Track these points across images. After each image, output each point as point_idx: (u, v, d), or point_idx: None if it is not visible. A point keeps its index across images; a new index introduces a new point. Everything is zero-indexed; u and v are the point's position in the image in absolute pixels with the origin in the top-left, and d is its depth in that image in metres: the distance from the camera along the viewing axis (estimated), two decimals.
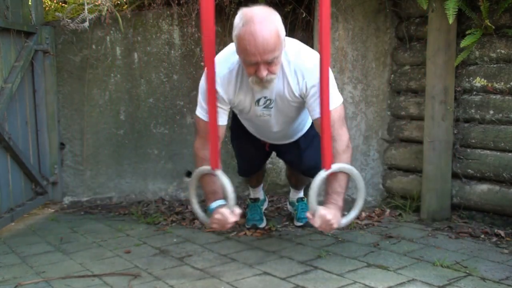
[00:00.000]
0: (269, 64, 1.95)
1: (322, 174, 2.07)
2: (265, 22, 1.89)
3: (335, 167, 2.08)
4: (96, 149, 3.73)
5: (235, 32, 1.93)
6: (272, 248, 2.61)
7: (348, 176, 2.13)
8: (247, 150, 2.75)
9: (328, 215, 2.00)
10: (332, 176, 2.10)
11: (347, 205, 3.34)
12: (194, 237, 2.87)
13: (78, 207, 3.64)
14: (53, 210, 3.60)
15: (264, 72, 1.95)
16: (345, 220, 2.14)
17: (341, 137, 2.14)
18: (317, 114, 2.12)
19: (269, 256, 2.50)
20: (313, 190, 2.05)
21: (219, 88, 2.14)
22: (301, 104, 2.25)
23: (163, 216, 3.29)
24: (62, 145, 3.73)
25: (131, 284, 2.19)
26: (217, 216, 2.07)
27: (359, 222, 3.00)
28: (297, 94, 2.17)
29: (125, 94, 3.70)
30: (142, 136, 3.74)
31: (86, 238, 2.91)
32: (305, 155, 2.62)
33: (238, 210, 2.07)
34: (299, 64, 2.12)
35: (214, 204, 2.15)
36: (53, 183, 3.67)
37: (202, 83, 2.20)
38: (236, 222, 2.11)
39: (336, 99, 2.16)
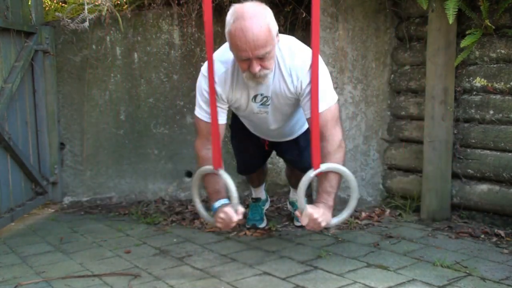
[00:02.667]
0: (261, 59, 1.95)
1: (310, 174, 2.08)
2: (256, 18, 1.89)
3: (323, 166, 2.09)
4: (96, 149, 3.73)
5: (226, 29, 1.94)
6: (272, 248, 2.61)
7: (340, 176, 2.13)
8: (247, 148, 2.75)
9: (315, 214, 2.02)
10: (323, 175, 2.11)
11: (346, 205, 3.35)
12: (194, 237, 2.88)
13: (78, 207, 3.64)
14: (53, 210, 3.60)
15: (256, 68, 1.96)
16: (336, 220, 2.16)
17: (334, 137, 2.14)
18: (309, 114, 2.13)
19: (269, 256, 2.50)
20: (301, 189, 2.07)
21: (217, 87, 2.16)
22: (298, 101, 2.26)
23: (163, 216, 3.29)
24: (62, 145, 3.73)
25: (131, 284, 2.19)
26: (221, 215, 2.09)
27: (359, 222, 3.00)
28: (293, 92, 2.18)
29: (125, 94, 3.70)
30: (142, 136, 3.74)
31: (86, 238, 2.91)
32: (305, 153, 2.61)
33: (241, 209, 2.09)
34: (293, 64, 2.12)
35: (217, 203, 2.16)
36: (53, 183, 3.67)
37: (200, 83, 2.21)
38: (239, 221, 2.12)
39: (330, 98, 2.16)
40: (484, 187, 2.85)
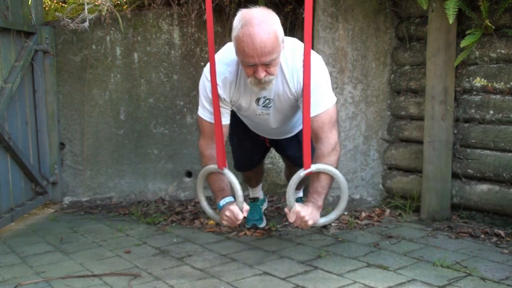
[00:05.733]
0: (267, 65, 1.98)
1: (300, 173, 2.11)
2: (264, 25, 1.90)
3: (314, 167, 2.10)
4: (96, 149, 3.73)
5: (234, 33, 1.95)
6: (272, 248, 2.61)
7: (331, 178, 2.15)
8: (246, 145, 2.76)
9: (302, 212, 2.06)
10: (315, 176, 2.14)
11: (347, 206, 3.34)
12: (194, 237, 2.88)
13: (78, 207, 3.64)
14: (53, 210, 3.60)
15: (262, 74, 1.98)
16: (324, 220, 2.17)
17: (329, 139, 2.17)
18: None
19: (269, 256, 2.50)
20: (291, 187, 2.12)
21: (220, 90, 2.16)
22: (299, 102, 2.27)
23: (163, 216, 3.29)
24: (62, 145, 3.73)
25: (131, 284, 2.19)
26: (227, 213, 2.12)
27: (359, 222, 3.00)
28: (293, 93, 2.20)
29: (125, 94, 3.70)
30: (142, 136, 3.74)
31: (86, 238, 2.91)
32: None
33: (247, 207, 2.12)
34: (295, 65, 2.14)
35: (222, 201, 2.19)
36: (53, 183, 3.67)
37: (203, 84, 2.22)
38: (244, 218, 2.15)
39: (328, 100, 2.18)
40: (484, 187, 2.85)
